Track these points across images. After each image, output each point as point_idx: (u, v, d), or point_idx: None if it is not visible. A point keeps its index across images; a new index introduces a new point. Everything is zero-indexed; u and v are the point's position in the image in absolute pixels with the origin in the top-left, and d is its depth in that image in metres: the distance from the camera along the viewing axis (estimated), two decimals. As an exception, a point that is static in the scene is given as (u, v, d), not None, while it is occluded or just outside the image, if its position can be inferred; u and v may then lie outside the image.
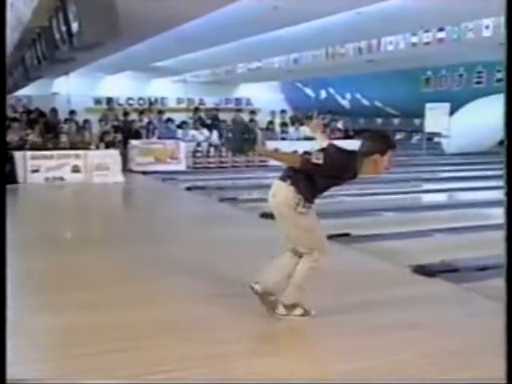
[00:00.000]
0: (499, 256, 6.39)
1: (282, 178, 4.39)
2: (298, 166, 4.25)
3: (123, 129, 16.27)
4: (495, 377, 3.47)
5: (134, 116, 18.24)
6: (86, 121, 15.68)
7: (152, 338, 4.03)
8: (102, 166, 13.10)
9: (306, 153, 4.44)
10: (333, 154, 4.31)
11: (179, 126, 16.89)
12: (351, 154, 4.38)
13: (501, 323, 4.45)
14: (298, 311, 4.38)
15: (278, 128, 17.93)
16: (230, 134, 4.37)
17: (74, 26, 8.94)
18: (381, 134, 4.76)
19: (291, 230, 4.41)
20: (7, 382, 2.58)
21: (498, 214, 8.45)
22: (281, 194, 4.34)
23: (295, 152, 4.50)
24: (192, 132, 16.53)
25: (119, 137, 15.21)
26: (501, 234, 6.86)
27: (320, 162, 4.15)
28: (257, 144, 4.25)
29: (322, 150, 4.39)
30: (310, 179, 4.26)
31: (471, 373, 3.55)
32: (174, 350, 3.84)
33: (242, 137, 4.31)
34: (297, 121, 18.69)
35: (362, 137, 4.53)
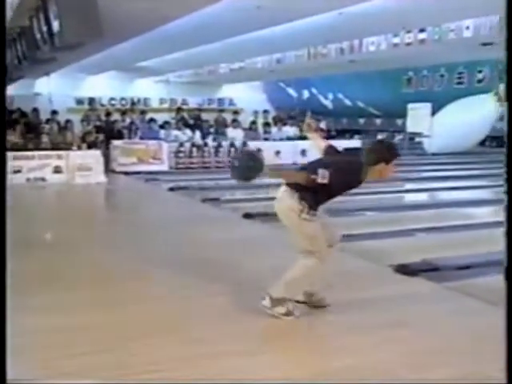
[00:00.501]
0: (480, 255, 6.49)
1: (288, 184, 4.45)
2: (304, 184, 4.29)
3: (105, 129, 16.21)
4: (477, 374, 3.52)
5: (116, 116, 18.17)
6: (67, 121, 15.60)
7: (135, 339, 4.02)
8: (84, 166, 13.03)
9: (311, 164, 4.48)
10: (339, 170, 4.30)
11: (162, 127, 16.85)
12: (356, 164, 4.44)
13: (482, 321, 4.52)
14: (282, 309, 4.39)
15: (260, 128, 17.94)
16: (235, 162, 4.36)
17: (55, 26, 8.89)
18: (386, 143, 4.88)
19: (294, 232, 4.50)
20: (7, 382, 2.59)
21: (479, 214, 8.60)
22: (286, 199, 4.42)
23: (299, 169, 4.52)
24: (175, 132, 16.49)
25: (101, 137, 15.15)
26: (482, 233, 6.97)
27: (326, 181, 4.20)
28: (263, 170, 4.26)
29: (326, 152, 4.57)
30: (315, 190, 4.30)
31: (453, 370, 3.58)
32: (158, 350, 3.83)
33: (247, 164, 4.30)
34: (279, 121, 18.72)
35: (367, 147, 4.61)
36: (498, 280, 5.46)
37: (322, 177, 4.19)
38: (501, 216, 9.17)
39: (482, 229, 7.99)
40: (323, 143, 4.83)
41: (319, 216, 4.44)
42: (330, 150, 4.76)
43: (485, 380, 3.46)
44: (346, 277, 5.58)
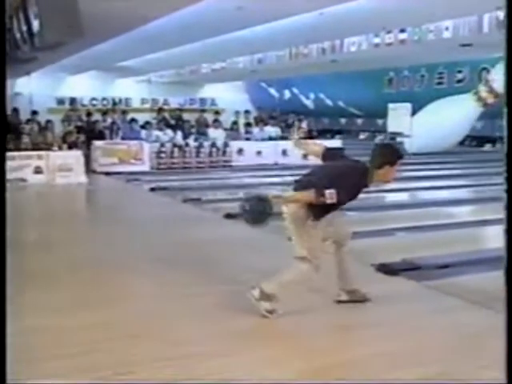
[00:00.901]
0: (459, 254, 6.53)
1: (296, 189, 4.55)
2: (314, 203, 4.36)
3: (86, 129, 16.14)
4: (456, 372, 3.55)
5: (97, 116, 18.09)
6: (48, 121, 15.51)
7: (118, 339, 4.01)
8: (64, 166, 12.96)
9: (313, 176, 4.59)
10: (345, 182, 4.38)
11: (143, 127, 16.79)
12: (362, 169, 4.55)
13: (461, 320, 4.55)
14: (267, 305, 4.43)
15: (242, 128, 17.95)
16: (246, 206, 4.37)
17: (35, 26, 8.84)
18: (389, 146, 4.97)
19: (294, 237, 4.56)
20: (7, 382, 2.58)
21: (459, 213, 8.64)
22: (293, 205, 4.50)
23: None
24: (156, 132, 16.43)
25: (82, 137, 15.08)
26: (461, 233, 7.01)
27: (334, 200, 4.27)
28: (272, 214, 4.32)
29: (324, 157, 4.73)
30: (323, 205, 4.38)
31: (434, 369, 3.61)
32: (141, 351, 3.83)
33: (258, 209, 4.33)
34: (261, 121, 18.73)
35: (373, 150, 4.66)
36: (477, 278, 5.54)
37: (330, 198, 4.27)
38: (480, 215, 9.36)
39: (461, 228, 8.06)
40: (318, 148, 4.86)
41: (327, 219, 4.56)
42: (328, 154, 4.83)
43: (465, 378, 3.50)
44: (328, 276, 5.60)
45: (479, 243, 7.51)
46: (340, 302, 4.77)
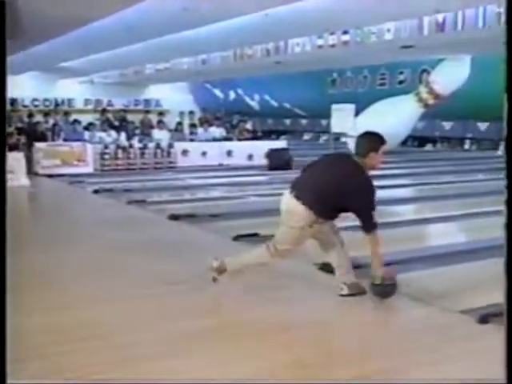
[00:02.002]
0: (402, 252, 6.61)
1: (303, 201, 4.77)
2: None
3: (28, 131, 15.83)
4: (394, 369, 3.61)
5: (39, 117, 17.77)
6: (-13, 122, 15.14)
7: (69, 343, 3.95)
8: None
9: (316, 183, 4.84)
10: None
11: (86, 128, 16.59)
12: (358, 167, 4.81)
13: (403, 317, 4.63)
14: (219, 274, 5.00)
15: (186, 129, 17.89)
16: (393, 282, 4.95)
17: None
18: (370, 133, 5.06)
19: (281, 230, 4.89)
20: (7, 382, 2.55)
21: (401, 211, 8.73)
22: (299, 208, 4.75)
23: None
24: (99, 134, 16.25)
25: (23, 139, 14.78)
26: (403, 231, 7.10)
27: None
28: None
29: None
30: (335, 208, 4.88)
31: (376, 366, 3.66)
32: (91, 354, 3.78)
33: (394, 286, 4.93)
34: (206, 122, 18.72)
35: (356, 140, 4.96)
36: (419, 276, 5.63)
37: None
38: (421, 213, 9.48)
39: (403, 226, 8.20)
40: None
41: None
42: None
43: (406, 374, 3.56)
44: (271, 276, 5.63)
45: (421, 241, 7.65)
46: (342, 295, 4.94)
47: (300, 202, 4.71)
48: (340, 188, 4.72)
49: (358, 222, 4.86)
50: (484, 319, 4.31)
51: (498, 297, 4.91)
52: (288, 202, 4.82)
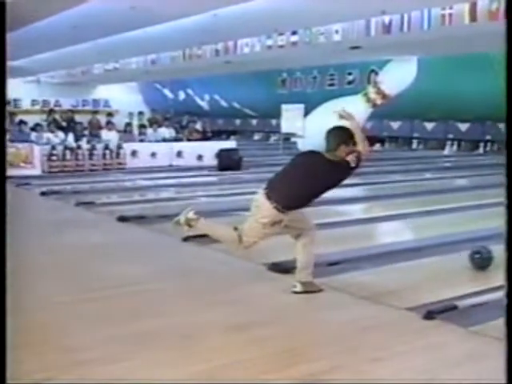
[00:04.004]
0: (347, 251, 6.68)
1: (266, 194, 5.00)
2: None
3: (-29, 132, 15.46)
4: (344, 366, 3.65)
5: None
6: None
7: (10, 349, 3.87)
8: None
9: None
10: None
11: (33, 129, 16.29)
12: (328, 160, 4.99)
13: (351, 315, 4.68)
14: (186, 229, 5.37)
15: (136, 130, 17.73)
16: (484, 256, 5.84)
17: None
18: (338, 127, 5.16)
19: (250, 221, 5.08)
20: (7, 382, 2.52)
21: (349, 211, 8.79)
22: (263, 200, 4.96)
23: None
24: (47, 135, 15.98)
25: (-33, 140, 14.44)
26: (351, 230, 7.16)
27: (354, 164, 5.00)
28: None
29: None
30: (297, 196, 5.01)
31: (325, 364, 3.68)
32: (33, 359, 3.72)
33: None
34: (155, 122, 18.59)
35: (326, 134, 5.13)
36: (366, 274, 5.70)
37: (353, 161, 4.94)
38: (370, 212, 9.57)
39: (351, 225, 8.28)
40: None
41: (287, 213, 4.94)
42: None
43: (356, 371, 3.60)
44: (222, 276, 5.64)
45: (368, 240, 7.73)
46: (295, 292, 5.01)
47: (268, 201, 4.88)
48: (311, 181, 4.96)
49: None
50: (430, 316, 4.39)
51: (443, 293, 5.03)
52: (259, 198, 5.00)
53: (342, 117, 5.22)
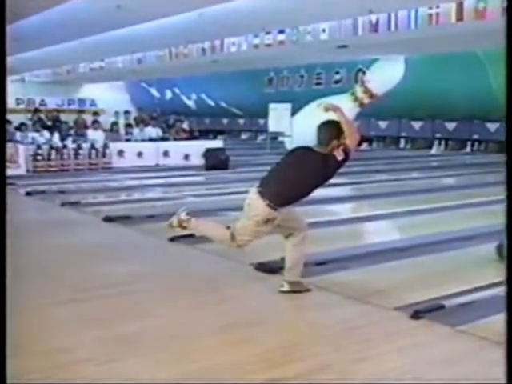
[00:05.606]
0: (335, 250, 6.65)
1: (260, 192, 4.97)
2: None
3: (-45, 131, 15.33)
4: (333, 365, 3.63)
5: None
6: None
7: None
8: None
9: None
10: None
11: (18, 128, 16.16)
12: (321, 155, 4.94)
13: (339, 314, 4.66)
14: (178, 230, 5.43)
15: (122, 129, 17.65)
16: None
17: None
18: (329, 122, 5.09)
19: (242, 220, 5.04)
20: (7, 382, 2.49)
21: (336, 210, 8.78)
22: (257, 199, 4.93)
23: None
24: (32, 134, 15.86)
25: (-50, 140, 14.31)
26: (339, 230, 7.14)
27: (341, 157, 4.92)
28: None
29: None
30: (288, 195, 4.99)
31: (312, 363, 3.66)
32: (17, 362, 3.66)
33: None
34: (141, 122, 18.51)
35: (318, 128, 5.07)
36: (354, 273, 5.68)
37: (339, 154, 4.88)
38: (357, 212, 9.56)
39: (339, 225, 8.27)
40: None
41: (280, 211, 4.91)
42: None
43: (343, 371, 3.57)
44: (210, 276, 5.61)
45: (355, 239, 7.72)
46: (282, 292, 4.99)
47: (261, 199, 4.86)
48: (304, 177, 4.96)
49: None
50: (417, 315, 4.38)
51: (431, 293, 5.02)
52: (251, 196, 4.98)
53: (327, 109, 5.15)
